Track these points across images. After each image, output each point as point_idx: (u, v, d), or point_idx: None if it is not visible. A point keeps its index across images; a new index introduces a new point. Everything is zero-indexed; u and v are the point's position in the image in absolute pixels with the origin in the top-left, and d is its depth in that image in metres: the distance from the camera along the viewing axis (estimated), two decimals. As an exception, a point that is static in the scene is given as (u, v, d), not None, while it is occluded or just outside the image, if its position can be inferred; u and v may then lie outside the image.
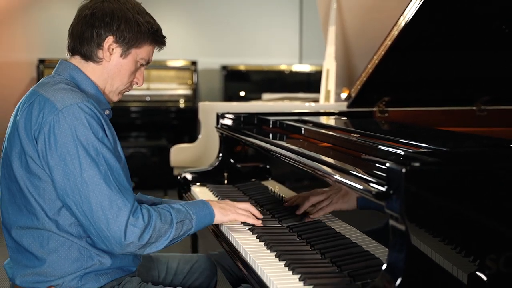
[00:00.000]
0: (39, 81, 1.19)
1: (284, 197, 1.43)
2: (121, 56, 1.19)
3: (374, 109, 2.00)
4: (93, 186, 1.04)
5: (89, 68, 1.20)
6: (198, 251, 2.12)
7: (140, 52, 1.21)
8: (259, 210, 1.32)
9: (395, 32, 1.66)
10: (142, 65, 1.24)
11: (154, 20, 1.24)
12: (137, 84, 1.26)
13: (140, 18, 1.18)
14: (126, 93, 1.29)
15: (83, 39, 1.17)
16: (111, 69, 1.20)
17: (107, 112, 1.22)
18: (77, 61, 1.20)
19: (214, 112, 2.03)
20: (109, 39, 1.17)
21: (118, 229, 1.03)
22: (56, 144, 1.05)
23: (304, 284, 0.95)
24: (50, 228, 1.10)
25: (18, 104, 1.17)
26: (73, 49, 1.20)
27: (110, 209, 1.04)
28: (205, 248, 1.81)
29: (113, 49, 1.18)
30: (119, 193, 1.05)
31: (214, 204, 1.22)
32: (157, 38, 1.23)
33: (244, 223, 1.28)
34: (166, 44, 1.28)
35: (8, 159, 1.12)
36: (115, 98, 1.25)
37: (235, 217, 1.24)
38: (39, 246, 1.10)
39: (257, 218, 1.28)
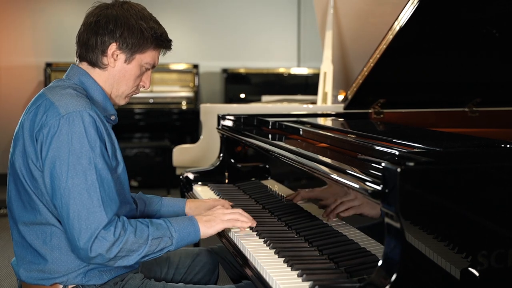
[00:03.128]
0: (49, 84, 1.21)
1: (284, 196, 1.45)
2: (125, 62, 1.20)
3: (370, 111, 2.02)
4: (74, 194, 1.04)
5: (95, 74, 1.21)
6: (200, 245, 2.14)
7: (145, 57, 1.21)
8: (258, 210, 1.30)
9: (390, 37, 1.69)
10: (147, 69, 1.25)
11: (159, 24, 1.23)
12: (144, 87, 1.27)
13: (143, 24, 1.18)
14: (130, 95, 1.29)
15: (88, 46, 1.18)
16: (116, 75, 1.21)
17: (113, 117, 1.23)
18: (85, 67, 1.22)
19: (215, 114, 2.04)
20: (113, 46, 1.18)
21: (87, 240, 1.03)
22: (50, 147, 1.06)
23: (303, 280, 0.97)
24: (53, 223, 1.12)
25: (27, 106, 1.18)
26: (80, 56, 1.21)
27: (86, 219, 1.04)
28: (207, 242, 1.83)
29: (117, 56, 1.19)
30: (100, 206, 1.05)
31: (200, 219, 1.19)
32: (161, 43, 1.23)
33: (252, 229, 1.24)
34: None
35: (13, 157, 1.15)
36: (122, 102, 1.26)
37: (222, 226, 1.20)
38: (42, 243, 1.12)
39: (249, 222, 1.23)
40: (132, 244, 1.07)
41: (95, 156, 1.07)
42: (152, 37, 1.20)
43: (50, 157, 1.06)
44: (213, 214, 1.23)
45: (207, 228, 1.18)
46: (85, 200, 1.05)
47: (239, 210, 1.27)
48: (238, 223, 1.23)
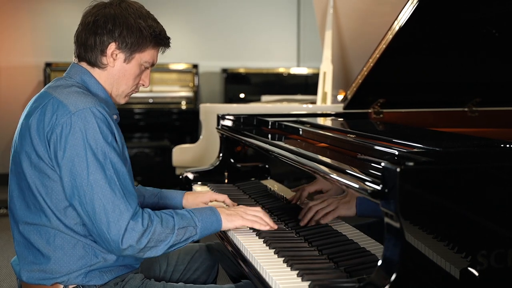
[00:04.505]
0: (51, 83, 1.20)
1: (283, 196, 1.44)
2: (124, 61, 1.20)
3: (370, 111, 2.02)
4: (97, 189, 1.06)
5: (95, 74, 1.21)
6: (199, 241, 2.14)
7: (144, 56, 1.21)
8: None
9: (390, 36, 1.69)
10: (146, 67, 1.25)
11: (157, 22, 1.23)
12: (143, 85, 1.27)
13: (142, 23, 1.18)
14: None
15: (87, 46, 1.18)
16: (116, 74, 1.21)
17: (115, 117, 1.23)
18: (84, 66, 1.22)
19: (214, 114, 2.04)
20: (112, 46, 1.17)
21: (117, 232, 1.05)
22: (66, 146, 1.07)
23: (302, 280, 0.97)
24: (56, 226, 1.12)
25: (28, 105, 1.18)
26: (79, 56, 1.21)
27: (112, 212, 1.05)
28: (206, 238, 1.83)
29: (116, 55, 1.19)
30: (123, 198, 1.07)
31: (222, 211, 1.21)
32: (160, 41, 1.23)
33: (252, 229, 1.25)
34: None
35: (18, 157, 1.14)
36: (122, 101, 1.26)
37: (242, 223, 1.22)
38: (45, 243, 1.12)
39: (269, 227, 1.23)
40: (160, 234, 1.09)
41: (109, 151, 1.09)
42: (151, 35, 1.20)
43: (68, 156, 1.07)
44: (235, 210, 1.24)
45: (228, 222, 1.21)
46: (108, 194, 1.06)
47: (262, 213, 1.26)
48: (256, 225, 1.23)
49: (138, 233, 1.06)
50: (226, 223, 1.20)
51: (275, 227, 1.25)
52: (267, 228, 1.23)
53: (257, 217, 1.24)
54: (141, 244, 1.07)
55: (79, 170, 1.07)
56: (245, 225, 1.23)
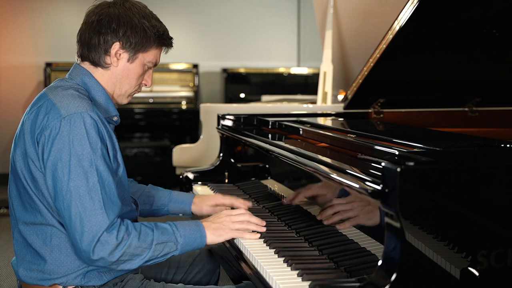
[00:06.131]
0: (51, 84, 1.20)
1: (283, 196, 1.45)
2: (128, 61, 1.20)
3: (370, 110, 2.02)
4: (76, 196, 1.04)
5: (98, 73, 1.21)
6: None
7: (147, 56, 1.21)
8: (258, 210, 1.29)
9: (390, 36, 1.69)
10: (149, 67, 1.25)
11: (160, 22, 1.23)
12: (146, 85, 1.27)
13: (146, 23, 1.18)
14: (130, 95, 1.29)
15: (91, 45, 1.18)
16: (119, 74, 1.21)
17: (115, 118, 1.23)
18: (87, 66, 1.21)
19: (215, 114, 2.04)
20: (116, 45, 1.17)
21: (89, 243, 1.03)
22: (51, 149, 1.06)
23: (302, 280, 0.97)
24: (52, 223, 1.12)
25: (29, 105, 1.18)
26: (82, 55, 1.21)
27: (87, 222, 1.03)
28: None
29: (120, 55, 1.18)
30: (101, 208, 1.05)
31: (208, 226, 1.17)
32: (163, 41, 1.23)
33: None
34: None
35: (14, 156, 1.15)
36: (124, 101, 1.25)
37: (231, 236, 1.19)
38: (42, 243, 1.12)
39: (259, 226, 1.22)
40: (136, 248, 1.07)
41: (96, 158, 1.07)
42: (154, 35, 1.20)
43: (52, 159, 1.06)
44: (221, 222, 1.20)
45: (216, 236, 1.18)
46: (86, 202, 1.04)
47: (247, 217, 1.23)
48: (247, 235, 1.20)
49: (111, 245, 1.04)
50: (213, 238, 1.17)
51: (263, 224, 1.23)
52: (257, 236, 1.20)
53: (245, 222, 1.21)
54: (114, 257, 1.04)
55: (61, 175, 1.05)
56: (234, 237, 1.20)
